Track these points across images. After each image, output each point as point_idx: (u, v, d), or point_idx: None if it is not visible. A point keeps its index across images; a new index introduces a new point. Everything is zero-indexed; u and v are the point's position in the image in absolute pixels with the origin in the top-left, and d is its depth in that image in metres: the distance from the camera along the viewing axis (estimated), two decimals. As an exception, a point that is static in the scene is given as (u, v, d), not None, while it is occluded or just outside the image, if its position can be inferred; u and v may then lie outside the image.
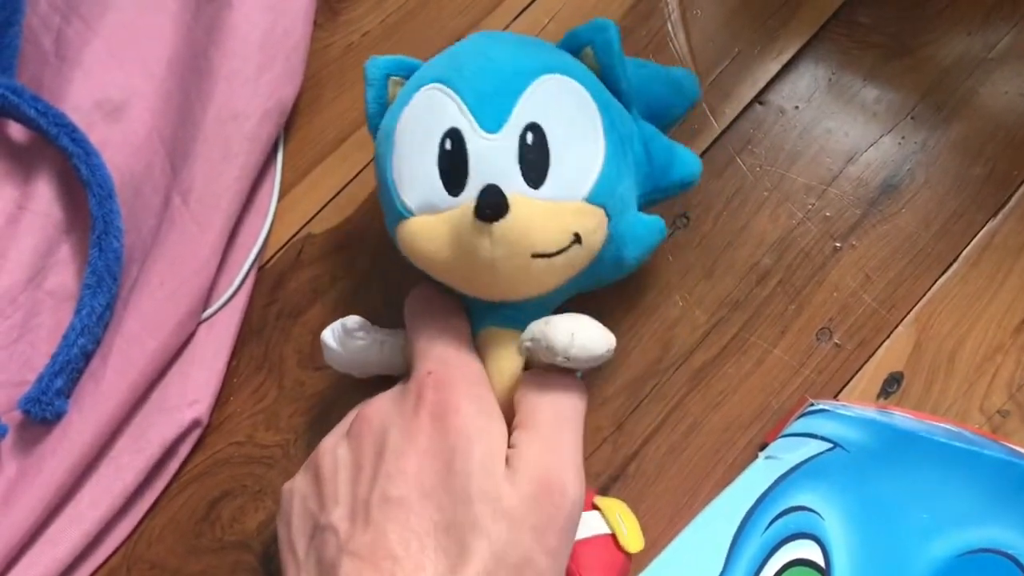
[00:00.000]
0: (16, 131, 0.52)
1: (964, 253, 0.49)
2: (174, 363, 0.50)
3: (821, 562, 0.41)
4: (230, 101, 0.51)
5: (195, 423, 0.49)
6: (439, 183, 0.40)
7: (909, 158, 0.50)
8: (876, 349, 0.48)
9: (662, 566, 0.43)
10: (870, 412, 0.44)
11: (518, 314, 0.42)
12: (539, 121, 0.39)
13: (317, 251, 0.52)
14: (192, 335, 0.50)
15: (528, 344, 0.40)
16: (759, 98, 0.52)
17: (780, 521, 0.42)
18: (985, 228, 0.49)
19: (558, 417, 0.39)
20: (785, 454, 0.43)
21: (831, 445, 0.43)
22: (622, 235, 0.41)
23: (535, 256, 0.38)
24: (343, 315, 0.48)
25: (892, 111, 0.51)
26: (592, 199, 0.40)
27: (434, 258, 0.40)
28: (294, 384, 0.50)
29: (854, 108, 0.51)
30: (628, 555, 0.42)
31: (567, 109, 0.40)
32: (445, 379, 0.39)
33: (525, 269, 0.39)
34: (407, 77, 0.44)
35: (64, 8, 0.53)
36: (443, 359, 0.41)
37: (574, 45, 0.43)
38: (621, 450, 0.48)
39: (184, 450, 0.49)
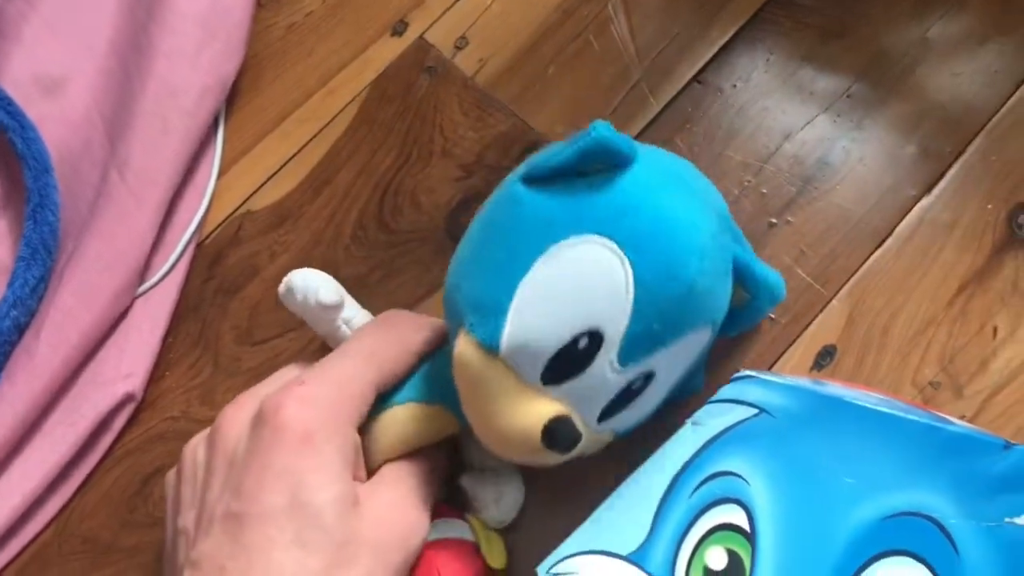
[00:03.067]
0: (-48, 105, 0.51)
1: (898, 229, 0.48)
2: (109, 338, 0.49)
3: (746, 526, 0.41)
4: (169, 77, 0.50)
5: (129, 397, 0.48)
6: (543, 362, 0.36)
7: (844, 136, 0.50)
8: (810, 323, 0.47)
9: (587, 533, 0.43)
10: (799, 380, 0.44)
11: (451, 398, 0.40)
12: (657, 371, 0.37)
13: (256, 228, 0.51)
14: (128, 310, 0.49)
15: (469, 492, 0.43)
16: (697, 77, 0.51)
17: (705, 486, 0.42)
18: (919, 204, 0.48)
19: (422, 474, 0.40)
20: (711, 420, 0.42)
21: (757, 411, 0.42)
22: None
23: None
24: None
25: (829, 90, 0.51)
26: (620, 435, 0.40)
27: (480, 408, 0.37)
28: (230, 360, 0.50)
29: (791, 87, 0.51)
30: (489, 568, 0.42)
31: (682, 359, 0.38)
32: (314, 401, 0.37)
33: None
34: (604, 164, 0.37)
35: (5, -15, 0.53)
36: (331, 378, 0.39)
37: (739, 270, 0.40)
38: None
39: (118, 424, 0.48)
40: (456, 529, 0.42)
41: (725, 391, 0.43)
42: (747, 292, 0.41)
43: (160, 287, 0.50)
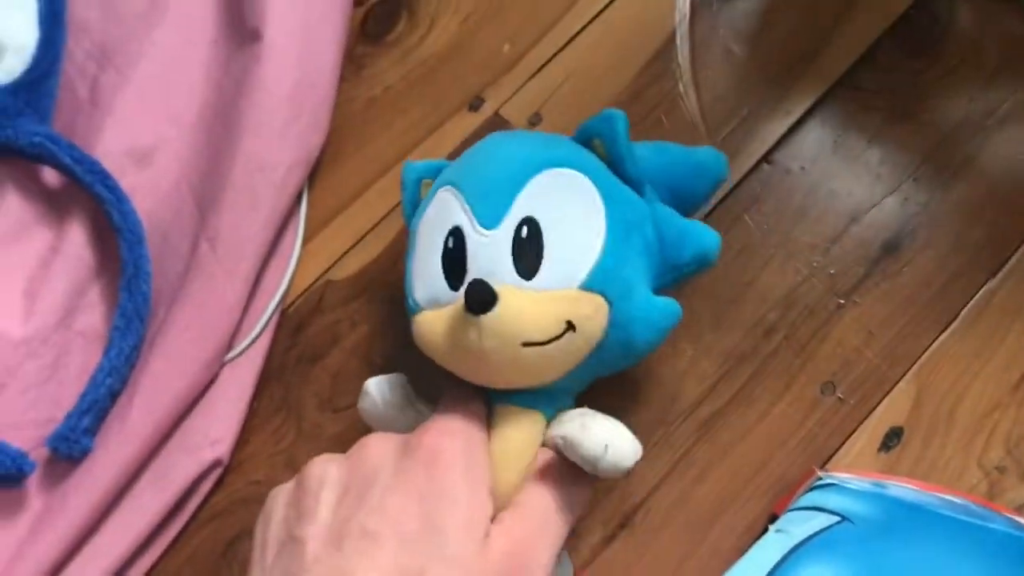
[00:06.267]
0: (51, 176, 0.51)
1: (964, 312, 0.48)
2: (197, 404, 0.49)
3: (831, 636, 0.40)
4: (258, 152, 0.50)
5: (216, 463, 0.48)
6: (442, 279, 0.40)
7: (911, 219, 0.50)
8: (878, 404, 0.47)
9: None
10: (868, 483, 0.44)
11: (533, 397, 0.41)
12: (535, 214, 0.39)
13: (337, 297, 0.52)
14: (215, 376, 0.50)
15: (559, 441, 0.39)
16: (767, 158, 0.51)
17: (791, 596, 0.42)
18: (984, 288, 0.48)
19: (552, 508, 0.39)
20: (794, 527, 0.42)
21: (839, 518, 0.42)
22: (629, 318, 0.39)
23: (526, 345, 0.38)
24: (362, 359, 0.49)
25: (895, 173, 0.50)
26: (588, 286, 0.38)
27: (436, 350, 0.40)
28: (312, 426, 0.50)
29: (858, 169, 0.51)
30: None
31: (566, 201, 0.40)
32: (446, 434, 0.39)
33: (516, 358, 0.38)
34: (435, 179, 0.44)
35: (99, 57, 0.53)
36: (450, 423, 0.40)
37: (585, 137, 0.43)
38: (629, 499, 0.47)
39: (205, 489, 0.48)
40: None
41: (807, 498, 0.43)
42: (603, 145, 0.42)
43: (246, 354, 0.50)
